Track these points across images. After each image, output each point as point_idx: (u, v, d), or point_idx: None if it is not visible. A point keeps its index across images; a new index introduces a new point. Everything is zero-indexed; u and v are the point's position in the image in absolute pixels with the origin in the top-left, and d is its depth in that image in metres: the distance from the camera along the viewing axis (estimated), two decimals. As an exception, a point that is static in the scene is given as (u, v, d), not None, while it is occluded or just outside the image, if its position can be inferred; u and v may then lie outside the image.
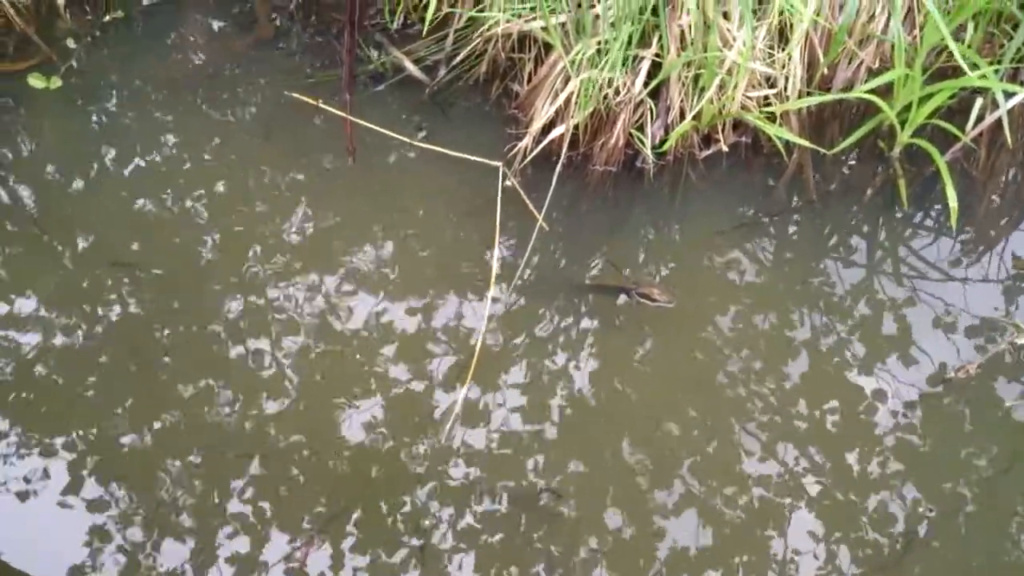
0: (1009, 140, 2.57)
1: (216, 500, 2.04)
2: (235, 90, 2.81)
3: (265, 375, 2.22)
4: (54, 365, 2.21)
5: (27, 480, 2.05)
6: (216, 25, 2.97)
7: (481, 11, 2.63)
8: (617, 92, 2.52)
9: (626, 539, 2.03)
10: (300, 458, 2.10)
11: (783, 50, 2.57)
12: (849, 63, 2.69)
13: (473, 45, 2.72)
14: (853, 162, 2.75)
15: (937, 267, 2.54)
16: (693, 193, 2.65)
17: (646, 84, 2.53)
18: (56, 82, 2.75)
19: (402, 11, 2.87)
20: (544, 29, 2.51)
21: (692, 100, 2.56)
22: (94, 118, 2.72)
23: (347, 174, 2.62)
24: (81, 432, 2.12)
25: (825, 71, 2.66)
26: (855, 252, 2.56)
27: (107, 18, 2.93)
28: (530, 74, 2.69)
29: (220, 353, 2.25)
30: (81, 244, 2.43)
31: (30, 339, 2.25)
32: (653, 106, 2.58)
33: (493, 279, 2.36)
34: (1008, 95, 2.50)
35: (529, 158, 2.55)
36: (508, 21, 2.58)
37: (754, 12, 2.45)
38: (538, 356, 2.29)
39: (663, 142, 2.60)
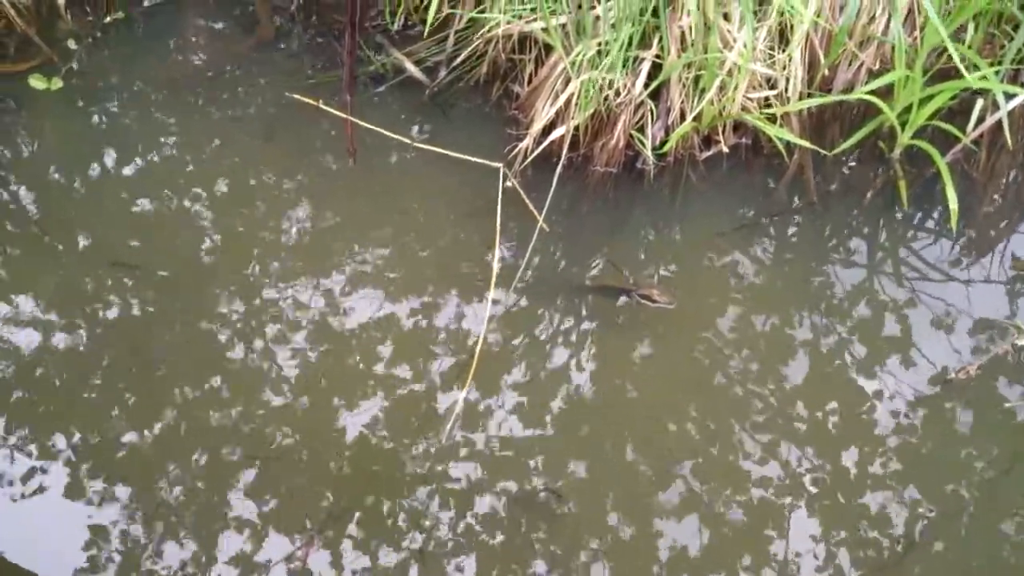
0: (1009, 141, 2.57)
1: (217, 500, 2.04)
2: (236, 91, 2.81)
3: (266, 375, 2.22)
4: (55, 365, 2.21)
5: (28, 480, 2.05)
6: (217, 26, 2.98)
7: (482, 12, 2.64)
8: (617, 93, 2.52)
9: (627, 540, 2.03)
10: (301, 458, 2.10)
11: (784, 51, 2.57)
12: (850, 64, 2.69)
13: (474, 46, 2.72)
14: (853, 163, 2.75)
15: (937, 268, 2.54)
16: (693, 194, 2.65)
17: (646, 85, 2.54)
18: (57, 83, 2.75)
19: (403, 12, 2.87)
20: (545, 30, 2.51)
21: (692, 101, 2.56)
22: (95, 119, 2.72)
23: (348, 175, 2.62)
24: (82, 432, 2.12)
25: (826, 72, 2.66)
26: (855, 253, 2.56)
27: (108, 19, 2.93)
28: (531, 75, 2.69)
29: (221, 353, 2.25)
30: (82, 245, 2.43)
31: (31, 339, 2.25)
32: (653, 107, 2.58)
33: (494, 280, 2.36)
34: (1008, 96, 2.51)
35: (529, 159, 2.56)
36: (509, 22, 2.58)
37: (755, 13, 2.46)
38: (538, 357, 2.29)
39: (663, 143, 2.60)
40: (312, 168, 2.63)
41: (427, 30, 2.65)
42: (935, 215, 2.67)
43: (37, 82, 2.74)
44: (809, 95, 2.65)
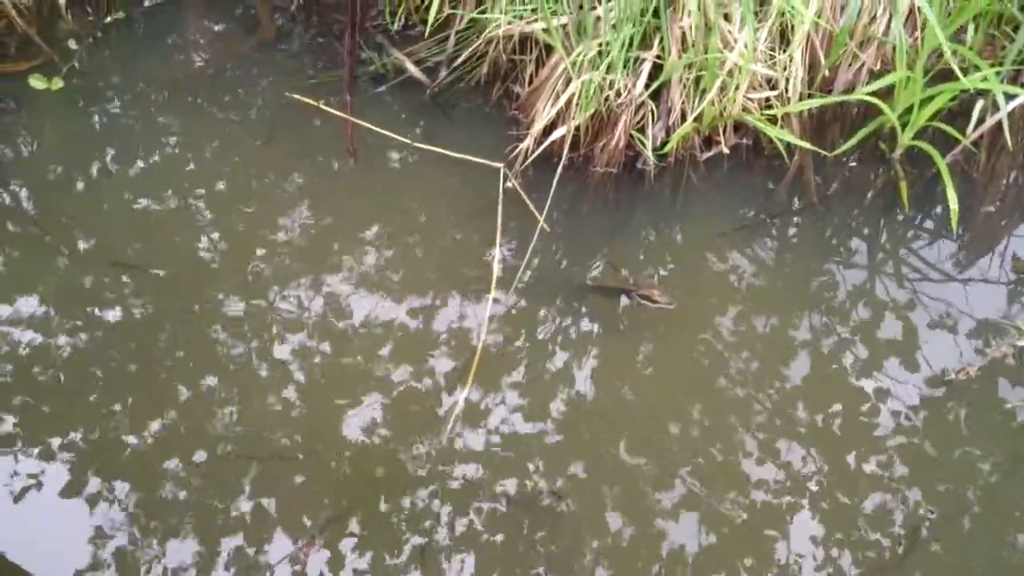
0: (1009, 142, 2.57)
1: (217, 500, 2.04)
2: (236, 91, 2.81)
3: (267, 376, 2.22)
4: (55, 365, 2.21)
5: (28, 479, 2.05)
6: (218, 26, 2.98)
7: (483, 13, 2.64)
8: (618, 94, 2.52)
9: (627, 541, 2.03)
10: (301, 459, 2.10)
11: (784, 52, 2.57)
12: (850, 65, 2.69)
13: (474, 47, 2.72)
14: (854, 164, 2.75)
15: (938, 269, 2.54)
16: (694, 195, 2.65)
17: (647, 86, 2.54)
18: (58, 83, 2.75)
19: (403, 12, 2.87)
20: (545, 31, 2.51)
21: (693, 102, 2.56)
22: (96, 119, 2.72)
23: (348, 175, 2.62)
24: (82, 432, 2.12)
25: (826, 73, 2.66)
26: (856, 254, 2.56)
27: (109, 19, 2.93)
28: (531, 76, 2.69)
29: (221, 353, 2.25)
30: (82, 245, 2.43)
31: (31, 339, 2.25)
32: (654, 108, 2.58)
33: (494, 280, 2.36)
34: (1008, 97, 2.51)
35: (530, 159, 2.56)
36: (509, 23, 2.58)
37: (755, 14, 2.46)
38: (539, 357, 2.29)
39: (664, 144, 2.60)
40: (313, 168, 2.63)
41: (428, 30, 2.65)
42: (935, 216, 2.67)
43: (37, 82, 2.74)
44: (810, 96, 2.65)
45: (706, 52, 2.44)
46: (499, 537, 2.02)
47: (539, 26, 2.55)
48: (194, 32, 2.95)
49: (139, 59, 2.86)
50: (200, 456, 2.09)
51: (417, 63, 2.83)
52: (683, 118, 2.58)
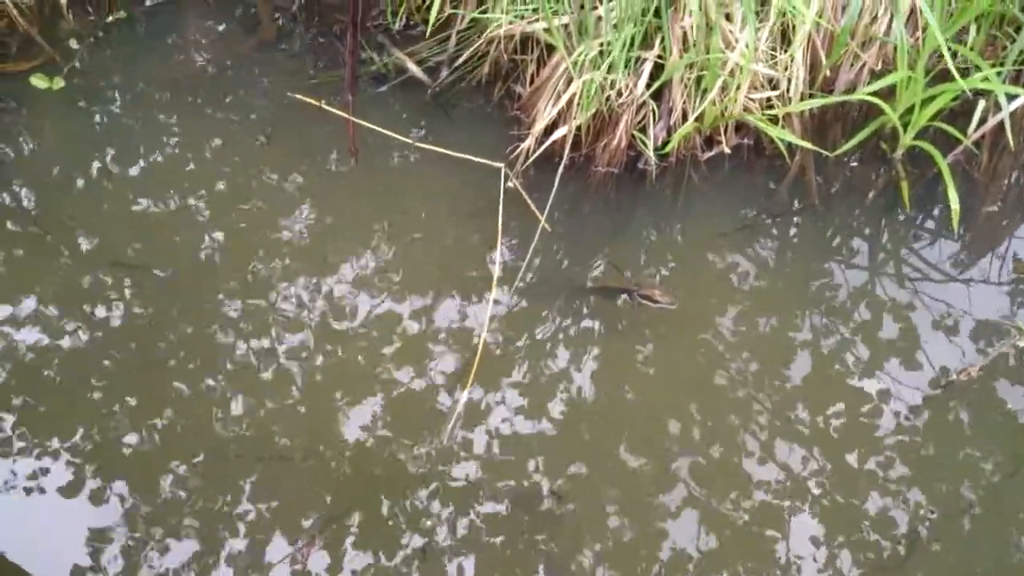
0: (1011, 142, 2.57)
1: (217, 500, 2.04)
2: (237, 91, 2.81)
3: (267, 376, 2.22)
4: (55, 365, 2.21)
5: (28, 480, 2.05)
6: (219, 26, 2.98)
7: (484, 13, 2.64)
8: (619, 94, 2.52)
9: (628, 541, 2.03)
10: (302, 458, 2.10)
11: (786, 52, 2.57)
12: (851, 65, 2.69)
13: (476, 46, 2.72)
14: (855, 164, 2.75)
15: (939, 269, 2.54)
16: (695, 195, 2.65)
17: (648, 86, 2.54)
18: (59, 82, 2.75)
19: (404, 12, 2.87)
20: (547, 31, 2.51)
21: (694, 102, 2.56)
22: (97, 118, 2.73)
23: (349, 175, 2.62)
24: (82, 432, 2.12)
25: (827, 73, 2.66)
26: (857, 254, 2.56)
27: (110, 19, 2.93)
28: (532, 75, 2.69)
29: (222, 353, 2.25)
30: (83, 244, 2.43)
31: (32, 339, 2.25)
32: (655, 108, 2.58)
33: (495, 280, 2.36)
34: (1010, 98, 2.50)
35: (531, 159, 2.56)
36: (511, 23, 2.58)
37: (756, 14, 2.46)
38: (540, 358, 2.29)
39: (665, 144, 2.60)
40: (314, 168, 2.63)
41: (429, 30, 2.65)
42: (937, 216, 2.67)
43: (39, 81, 2.74)
44: (811, 96, 2.65)
45: (707, 52, 2.44)
46: (499, 537, 2.02)
47: (540, 26, 2.55)
48: (195, 32, 2.95)
49: (140, 59, 2.86)
50: (200, 456, 2.09)
51: (418, 63, 2.83)
52: (684, 118, 2.58)
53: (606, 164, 2.62)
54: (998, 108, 2.54)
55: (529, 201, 2.46)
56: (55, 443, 2.10)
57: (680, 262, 2.52)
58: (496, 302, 2.34)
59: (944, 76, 2.64)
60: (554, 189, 2.46)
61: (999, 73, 2.55)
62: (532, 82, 2.68)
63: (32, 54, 2.81)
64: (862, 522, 2.08)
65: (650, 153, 2.59)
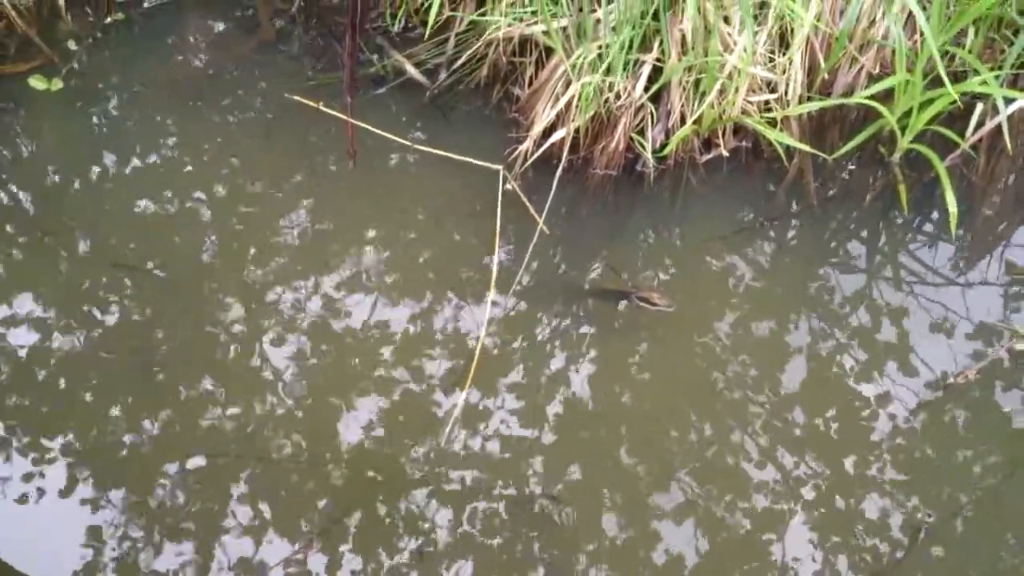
0: (1009, 146, 2.57)
1: (215, 502, 2.04)
2: (236, 92, 2.81)
3: (265, 377, 2.22)
4: (54, 366, 2.21)
5: (27, 481, 2.05)
6: (217, 28, 2.98)
7: (483, 15, 2.64)
8: (618, 96, 2.52)
9: (624, 544, 2.03)
10: (300, 461, 2.10)
11: (784, 55, 2.57)
12: (850, 68, 2.69)
13: (474, 49, 2.72)
14: (853, 167, 2.75)
15: (937, 272, 2.54)
16: (693, 197, 2.65)
17: (647, 88, 2.54)
18: (57, 84, 2.75)
19: (403, 14, 2.87)
20: (545, 33, 2.52)
21: (693, 104, 2.56)
22: (95, 120, 2.72)
23: (348, 177, 2.62)
24: (81, 433, 2.12)
25: (825, 76, 2.66)
26: (855, 257, 2.56)
27: (108, 20, 2.93)
28: (531, 78, 2.69)
29: (220, 355, 2.25)
30: (82, 246, 2.43)
31: (30, 340, 2.25)
32: (654, 110, 2.58)
33: (493, 282, 2.36)
34: (1008, 101, 2.51)
35: (530, 162, 2.56)
36: (509, 25, 2.58)
37: (755, 17, 2.46)
38: (537, 360, 2.29)
39: (664, 146, 2.60)
40: (312, 170, 2.63)
41: (428, 32, 2.65)
42: (935, 219, 2.67)
43: (37, 83, 2.74)
44: (809, 99, 2.65)
45: (706, 55, 2.44)
46: (497, 540, 2.02)
47: (539, 28, 2.55)
48: (194, 33, 2.95)
49: (139, 60, 2.86)
50: (198, 458, 2.09)
51: (417, 65, 2.83)
52: (683, 121, 2.58)
53: (604, 166, 2.62)
54: (996, 112, 2.54)
55: (527, 203, 2.46)
56: (54, 444, 2.10)
57: (678, 265, 2.52)
58: (494, 304, 2.34)
59: (942, 79, 2.64)
60: (552, 191, 2.46)
61: (997, 77, 2.55)
62: (531, 84, 2.68)
63: (30, 55, 2.81)
64: (859, 525, 2.08)
65: (648, 156, 2.59)
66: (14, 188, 2.54)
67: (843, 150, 2.66)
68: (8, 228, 2.45)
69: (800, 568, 2.02)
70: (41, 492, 2.04)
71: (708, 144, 2.68)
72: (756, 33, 2.49)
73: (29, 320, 2.28)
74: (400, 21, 2.89)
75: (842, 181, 2.73)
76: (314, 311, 2.34)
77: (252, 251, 2.44)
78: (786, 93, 2.61)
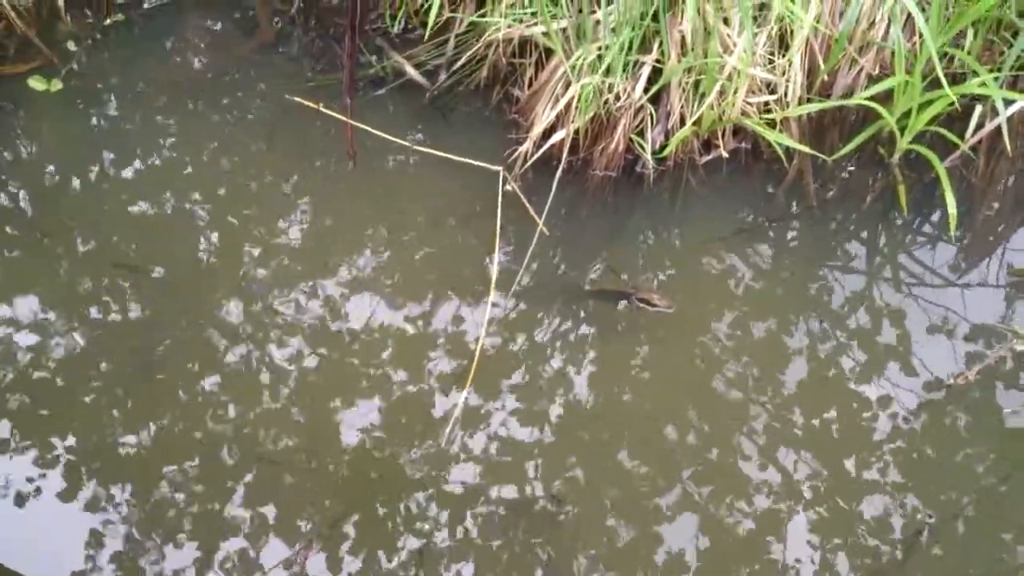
0: (1008, 147, 2.57)
1: (215, 503, 2.03)
2: (236, 94, 2.81)
3: (265, 379, 2.22)
4: (54, 367, 2.21)
5: (27, 482, 2.04)
6: (217, 29, 2.98)
7: (482, 16, 2.64)
8: (617, 97, 2.53)
9: (625, 545, 2.03)
10: (299, 462, 2.10)
11: (783, 56, 2.57)
12: (849, 69, 2.69)
13: (474, 50, 2.72)
14: (853, 168, 2.76)
15: (936, 273, 2.54)
16: (693, 198, 2.65)
17: (646, 90, 2.54)
18: (57, 85, 2.75)
19: (403, 16, 2.87)
20: (545, 34, 2.52)
21: (692, 106, 2.56)
22: (95, 121, 2.72)
23: (348, 178, 2.62)
24: (81, 434, 2.11)
25: (825, 77, 2.67)
26: (855, 258, 2.56)
27: (108, 21, 2.93)
28: (531, 79, 2.69)
29: (220, 356, 2.25)
30: (81, 247, 2.43)
31: (30, 341, 2.25)
32: (653, 111, 2.58)
33: (493, 283, 2.36)
34: (1007, 103, 2.51)
35: (529, 163, 2.56)
36: (509, 26, 2.58)
37: (754, 19, 2.46)
38: (538, 361, 2.29)
39: (663, 147, 2.60)
40: (312, 171, 2.63)
41: (427, 33, 2.65)
42: (934, 220, 2.67)
43: (37, 84, 2.73)
44: (808, 100, 2.66)
45: (705, 56, 2.45)
46: (497, 541, 2.02)
47: (539, 30, 2.55)
48: (193, 34, 2.95)
49: (138, 61, 2.86)
50: (198, 458, 2.09)
51: (417, 66, 2.83)
52: (682, 122, 2.58)
53: (604, 168, 2.62)
54: (995, 113, 2.55)
55: (527, 204, 2.46)
56: (54, 445, 2.09)
57: (678, 266, 2.52)
58: (494, 305, 2.34)
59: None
60: (552, 192, 2.46)
61: (996, 78, 2.56)
62: (530, 86, 2.68)
63: (30, 56, 2.81)
64: (859, 526, 2.08)
65: (648, 157, 2.59)
66: (14, 189, 2.54)
67: (843, 151, 2.66)
68: (8, 229, 2.45)
69: (801, 568, 2.02)
70: (40, 493, 2.04)
71: (708, 145, 2.68)
72: (756, 34, 2.49)
73: (29, 320, 2.28)
74: (400, 22, 2.89)
75: (842, 182, 2.73)
76: (314, 312, 2.33)
77: (252, 252, 2.44)
78: (786, 94, 2.61)
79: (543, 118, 2.55)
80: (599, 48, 2.46)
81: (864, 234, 2.64)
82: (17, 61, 2.80)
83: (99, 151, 2.64)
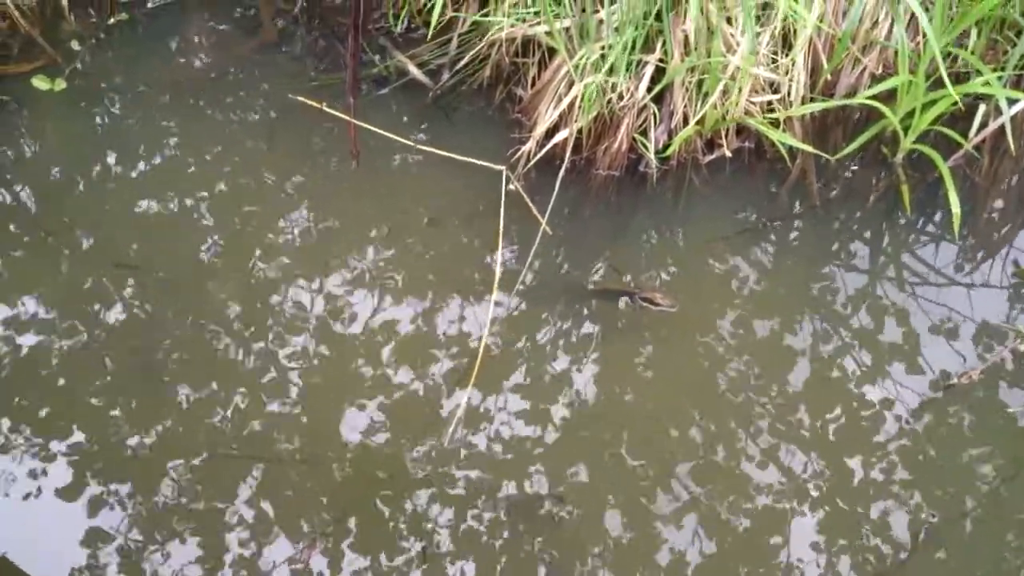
0: (1012, 147, 2.57)
1: (218, 502, 2.03)
2: (239, 93, 2.81)
3: (268, 378, 2.22)
4: (56, 366, 2.21)
5: (29, 481, 2.05)
6: (220, 28, 2.98)
7: (485, 15, 2.64)
8: (621, 97, 2.52)
9: (628, 545, 2.03)
10: (302, 461, 2.10)
11: (787, 56, 2.57)
12: (852, 69, 2.69)
13: (477, 49, 2.72)
14: (856, 168, 2.75)
15: (940, 273, 2.54)
16: (696, 198, 2.65)
17: (650, 89, 2.54)
18: (60, 84, 2.75)
19: (406, 15, 2.87)
20: (548, 34, 2.52)
21: (696, 105, 2.56)
22: (98, 120, 2.73)
23: (351, 177, 2.62)
24: (83, 433, 2.11)
25: (828, 77, 2.66)
26: (858, 258, 2.56)
27: (111, 20, 2.94)
28: (534, 78, 2.69)
29: (223, 356, 2.25)
30: (84, 246, 2.43)
31: (33, 340, 2.25)
32: (657, 111, 2.58)
33: (496, 283, 2.36)
34: (1011, 102, 2.51)
35: (532, 162, 2.56)
36: (512, 26, 2.58)
37: (757, 18, 2.46)
38: (540, 361, 2.29)
39: (666, 147, 2.60)
40: (315, 170, 2.63)
41: (430, 33, 2.65)
42: (938, 220, 2.67)
43: (40, 83, 2.74)
44: (812, 99, 2.65)
45: (709, 55, 2.45)
46: (500, 541, 2.02)
47: (542, 29, 2.55)
48: (196, 34, 2.95)
49: (141, 60, 2.86)
50: (201, 458, 2.09)
51: (420, 66, 2.83)
52: (685, 121, 2.58)
53: (607, 167, 2.62)
54: (999, 112, 2.54)
55: (530, 204, 2.46)
56: (56, 444, 2.10)
57: (681, 265, 2.52)
58: (497, 304, 2.34)
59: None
60: (555, 192, 2.46)
61: (1000, 77, 2.55)
62: (533, 85, 2.68)
63: (34, 56, 2.81)
64: (863, 526, 2.08)
65: (651, 156, 2.59)
66: (17, 188, 2.55)
67: (846, 151, 2.66)
68: (11, 227, 2.45)
69: (804, 569, 2.01)
70: (42, 492, 2.04)
71: (711, 145, 2.68)
72: (759, 34, 2.49)
73: (31, 320, 2.28)
74: (403, 22, 2.89)
75: (845, 181, 2.73)
76: (316, 311, 2.34)
77: (254, 251, 2.44)
78: (789, 94, 2.61)
79: (546, 117, 2.55)
80: (602, 47, 2.46)
81: (867, 234, 2.63)
82: (21, 60, 2.81)
83: (102, 150, 2.64)
